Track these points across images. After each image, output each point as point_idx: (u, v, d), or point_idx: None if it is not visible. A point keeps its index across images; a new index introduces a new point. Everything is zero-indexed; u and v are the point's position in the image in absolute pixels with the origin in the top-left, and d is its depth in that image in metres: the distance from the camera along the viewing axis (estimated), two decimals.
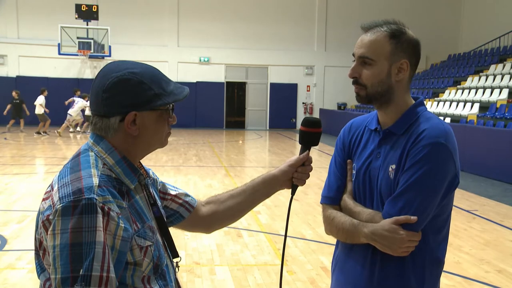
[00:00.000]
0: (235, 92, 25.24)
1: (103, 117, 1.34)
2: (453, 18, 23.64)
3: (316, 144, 1.71)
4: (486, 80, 15.79)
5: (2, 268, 4.61)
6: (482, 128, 11.26)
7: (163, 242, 1.46)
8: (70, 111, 17.69)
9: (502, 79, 14.97)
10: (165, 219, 1.51)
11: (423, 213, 1.57)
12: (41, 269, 1.30)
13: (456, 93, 16.22)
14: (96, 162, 1.32)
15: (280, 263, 1.99)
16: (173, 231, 1.59)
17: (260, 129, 23.31)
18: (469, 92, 15.50)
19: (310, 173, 1.71)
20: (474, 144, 10.65)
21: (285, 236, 1.70)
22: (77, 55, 20.29)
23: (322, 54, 23.46)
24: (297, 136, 2.14)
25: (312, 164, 1.70)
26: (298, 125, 16.39)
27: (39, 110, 17.33)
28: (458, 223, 6.52)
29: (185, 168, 10.91)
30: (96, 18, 19.92)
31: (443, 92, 17.38)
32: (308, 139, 1.69)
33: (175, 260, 1.51)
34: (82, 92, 18.28)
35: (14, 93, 17.97)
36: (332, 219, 1.76)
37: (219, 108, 23.07)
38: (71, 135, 17.89)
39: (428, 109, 1.75)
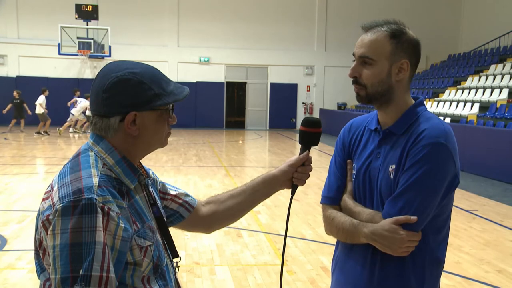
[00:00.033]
0: (235, 92, 25.23)
1: (103, 117, 1.34)
2: (453, 18, 23.65)
3: (316, 144, 1.71)
4: (486, 80, 15.79)
5: (2, 268, 4.61)
6: (482, 128, 11.26)
7: (163, 242, 1.46)
8: (72, 111, 17.74)
9: (502, 79, 14.97)
10: (165, 219, 1.51)
11: (423, 213, 1.57)
12: (41, 269, 1.30)
13: (456, 93, 16.22)
14: (96, 162, 1.32)
15: (280, 263, 1.99)
16: (173, 231, 1.59)
17: (260, 129, 23.31)
18: (469, 92, 15.51)
19: (310, 173, 1.71)
20: (474, 144, 10.65)
21: (285, 236, 1.70)
22: (77, 55, 20.29)
23: (322, 54, 23.46)
24: (297, 136, 2.14)
25: (312, 164, 1.70)
26: (298, 125, 16.38)
27: (39, 109, 17.36)
28: (458, 223, 6.52)
29: (185, 168, 10.91)
30: (96, 18, 19.93)
31: (443, 92, 17.38)
32: (308, 139, 1.69)
33: (175, 260, 1.51)
34: (82, 92, 18.29)
35: (15, 93, 18.00)
36: (332, 219, 1.76)
37: (219, 108, 23.08)
38: (71, 135, 17.89)
39: (428, 109, 1.75)
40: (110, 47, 20.26)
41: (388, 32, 1.64)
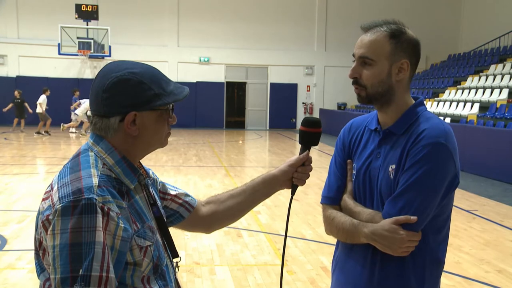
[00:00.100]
0: (235, 92, 25.23)
1: (103, 117, 1.34)
2: (453, 18, 23.64)
3: (316, 144, 1.71)
4: (486, 80, 15.79)
5: (2, 268, 4.61)
6: (482, 128, 11.26)
7: (163, 242, 1.46)
8: (77, 111, 17.77)
9: (502, 79, 14.97)
10: (165, 219, 1.51)
11: (423, 213, 1.57)
12: (41, 269, 1.30)
13: (456, 93, 16.22)
14: (96, 162, 1.32)
15: (280, 263, 1.99)
16: (173, 231, 1.59)
17: (260, 129, 23.31)
18: (469, 92, 15.51)
19: (310, 173, 1.70)
20: (474, 144, 10.65)
21: (285, 236, 1.70)
22: (77, 55, 20.30)
23: (322, 54, 23.46)
24: (297, 136, 2.14)
25: (312, 164, 1.70)
26: (298, 125, 16.39)
27: (39, 108, 17.39)
28: (458, 223, 6.52)
29: (185, 168, 10.91)
30: (96, 18, 19.93)
31: (443, 92, 17.38)
32: (308, 139, 1.69)
33: (175, 260, 1.51)
34: (82, 92, 18.30)
35: (16, 93, 18.05)
36: (332, 219, 1.76)
37: (219, 108, 23.07)
38: (71, 135, 17.89)
39: (428, 109, 1.75)
40: (110, 47, 20.26)
41: (387, 32, 1.64)
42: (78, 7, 19.73)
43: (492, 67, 16.68)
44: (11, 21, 21.41)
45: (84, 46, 19.92)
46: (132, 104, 1.33)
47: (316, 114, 22.52)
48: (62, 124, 17.77)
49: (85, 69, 22.04)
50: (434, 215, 1.61)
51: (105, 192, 1.24)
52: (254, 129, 23.03)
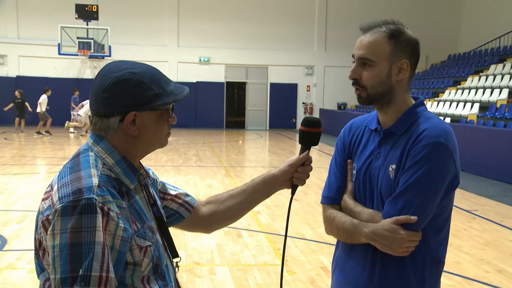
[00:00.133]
0: (235, 92, 25.23)
1: (103, 117, 1.34)
2: (453, 18, 23.64)
3: (316, 144, 1.71)
4: (486, 80, 15.79)
5: (2, 268, 4.61)
6: (482, 128, 11.26)
7: (163, 242, 1.46)
8: (80, 112, 17.79)
9: (502, 79, 14.97)
10: (165, 219, 1.51)
11: (423, 213, 1.57)
12: (40, 269, 1.30)
13: (456, 93, 16.22)
14: (96, 162, 1.31)
15: (280, 263, 1.99)
16: (173, 231, 1.59)
17: (260, 129, 23.31)
18: (469, 92, 15.50)
19: (310, 173, 1.70)
20: (474, 144, 10.65)
21: (285, 236, 1.70)
22: (77, 55, 20.30)
23: (322, 54, 23.46)
24: (297, 136, 2.14)
25: (312, 164, 1.70)
26: (298, 125, 16.40)
27: (38, 108, 17.39)
28: (458, 223, 6.52)
29: (185, 168, 10.91)
30: (96, 18, 19.93)
31: (443, 92, 17.38)
32: (308, 139, 1.69)
33: (175, 260, 1.51)
34: (82, 92, 18.30)
35: (16, 92, 18.06)
36: (332, 219, 1.76)
37: (219, 108, 23.08)
38: (71, 135, 17.90)
39: (428, 109, 1.75)
40: (110, 47, 20.26)
41: (386, 32, 1.64)
42: (78, 7, 19.74)
43: (492, 67, 16.68)
44: (11, 21, 21.41)
45: (84, 46, 19.92)
46: (132, 104, 1.33)
47: (316, 114, 22.52)
48: (67, 121, 17.79)
49: (85, 69, 22.05)
50: (434, 215, 1.61)
51: (105, 192, 1.24)
52: (254, 129, 23.03)
